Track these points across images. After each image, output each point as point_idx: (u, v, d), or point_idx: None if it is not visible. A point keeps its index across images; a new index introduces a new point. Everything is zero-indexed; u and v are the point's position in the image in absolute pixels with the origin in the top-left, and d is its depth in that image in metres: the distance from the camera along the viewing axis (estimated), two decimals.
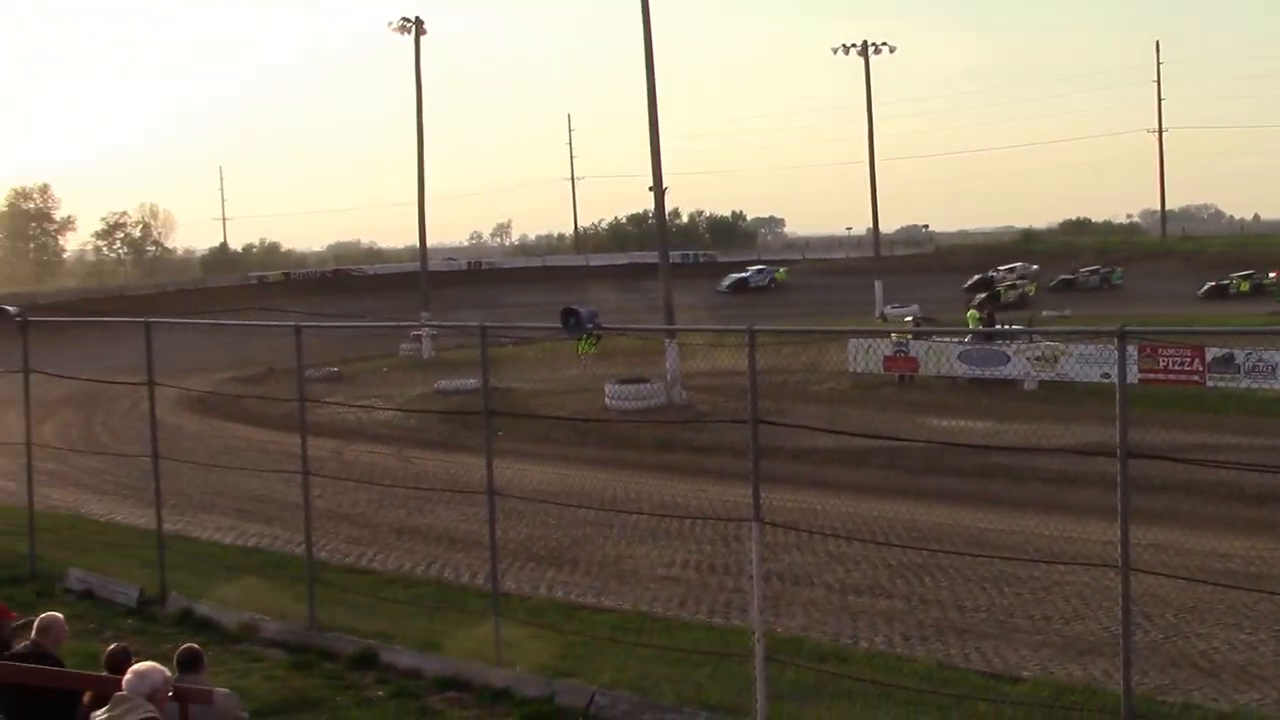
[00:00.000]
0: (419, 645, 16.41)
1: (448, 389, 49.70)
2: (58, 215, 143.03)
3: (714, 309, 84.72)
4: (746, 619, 15.80)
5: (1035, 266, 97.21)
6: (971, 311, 60.77)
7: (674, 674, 15.44)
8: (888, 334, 53.90)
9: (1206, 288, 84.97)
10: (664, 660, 16.09)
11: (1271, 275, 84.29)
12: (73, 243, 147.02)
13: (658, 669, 15.63)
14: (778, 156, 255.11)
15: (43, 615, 11.62)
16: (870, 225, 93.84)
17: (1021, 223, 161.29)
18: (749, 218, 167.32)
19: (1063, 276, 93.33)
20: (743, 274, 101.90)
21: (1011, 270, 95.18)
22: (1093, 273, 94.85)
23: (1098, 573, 19.82)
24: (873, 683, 14.74)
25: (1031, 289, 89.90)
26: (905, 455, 31.86)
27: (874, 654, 17.40)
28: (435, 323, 63.12)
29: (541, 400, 46.41)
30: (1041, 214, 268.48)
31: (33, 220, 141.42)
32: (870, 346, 46.40)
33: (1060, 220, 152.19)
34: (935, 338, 49.37)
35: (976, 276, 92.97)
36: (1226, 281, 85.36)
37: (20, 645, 11.53)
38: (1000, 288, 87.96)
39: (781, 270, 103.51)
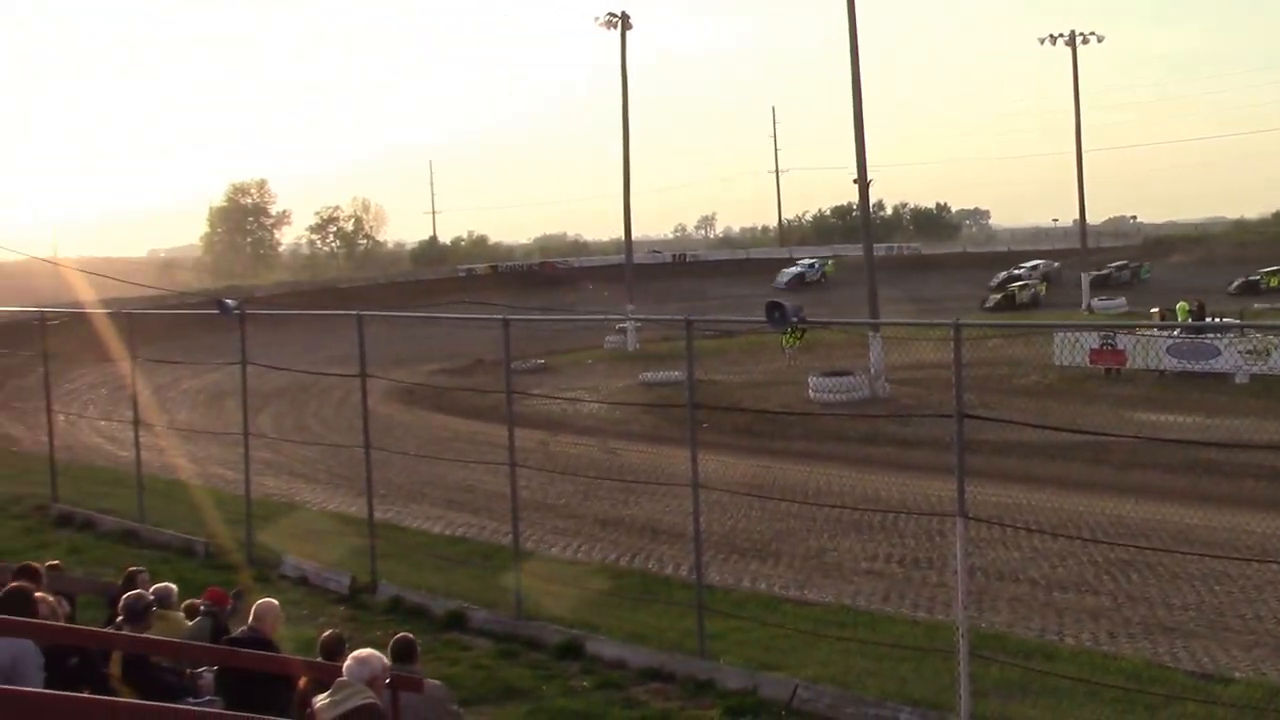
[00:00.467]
0: (624, 636, 16.56)
1: (652, 381, 49.84)
2: (274, 210, 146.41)
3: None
4: (950, 614, 15.68)
5: (1056, 264, 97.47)
6: (1181, 304, 59.40)
7: (877, 668, 15.38)
8: (1093, 328, 52.91)
9: (1237, 283, 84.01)
10: (867, 655, 16.01)
11: None
12: (288, 236, 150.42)
13: (861, 663, 15.58)
14: (983, 147, 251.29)
15: (259, 601, 11.97)
16: (1077, 216, 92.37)
17: (1233, 213, 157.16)
18: (953, 209, 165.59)
19: (1096, 273, 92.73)
20: (797, 269, 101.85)
21: (1035, 268, 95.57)
22: (1122, 268, 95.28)
23: None
24: (1079, 680, 14.52)
25: (1043, 288, 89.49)
26: (1112, 450, 31.23)
27: (1080, 651, 17.11)
28: (640, 315, 63.37)
29: (745, 393, 46.35)
30: (1256, 204, 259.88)
31: (250, 215, 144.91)
32: (1076, 340, 45.54)
33: (1274, 210, 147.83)
34: (1143, 331, 48.32)
35: (1002, 275, 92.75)
36: (1256, 277, 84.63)
37: (238, 630, 11.89)
38: (1014, 288, 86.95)
39: (830, 264, 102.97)
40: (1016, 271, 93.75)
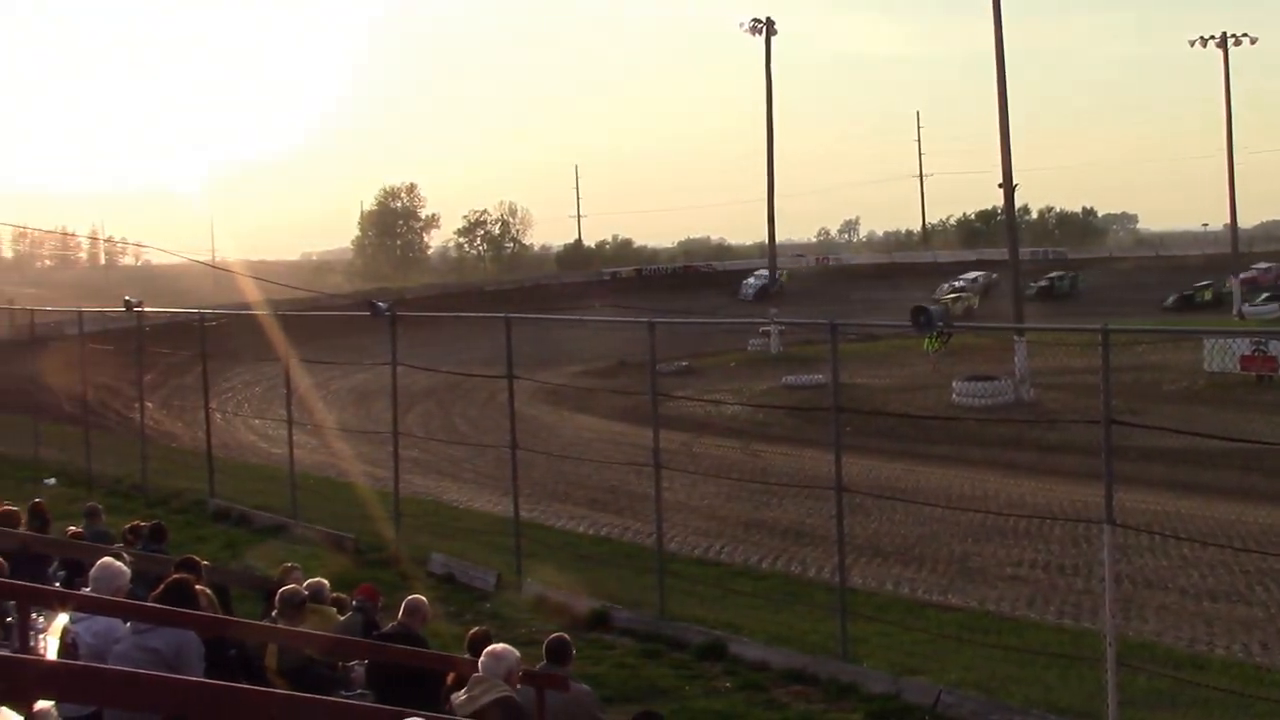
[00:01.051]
0: (766, 638, 16.60)
1: (795, 384, 49.84)
2: (423, 213, 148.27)
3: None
4: (1097, 621, 15.54)
5: (995, 275, 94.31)
6: None
7: (1022, 675, 15.30)
8: (1246, 334, 51.94)
9: (1173, 298, 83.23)
10: (1011, 661, 15.94)
11: (1228, 284, 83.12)
12: (436, 239, 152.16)
13: (1005, 669, 15.50)
14: (1131, 151, 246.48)
15: (409, 598, 12.20)
16: (1227, 221, 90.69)
17: None
18: (1100, 214, 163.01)
19: (1040, 284, 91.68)
20: (756, 281, 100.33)
21: (975, 281, 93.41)
22: (1061, 278, 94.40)
23: None
24: (1230, 692, 14.29)
25: (976, 301, 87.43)
26: (1263, 457, 30.66)
27: (1231, 663, 16.88)
28: (784, 319, 63.33)
29: (889, 396, 46.20)
30: None
31: (400, 218, 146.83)
32: (1227, 346, 44.74)
33: None
34: None
35: (945, 286, 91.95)
36: (1190, 292, 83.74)
37: (389, 626, 12.14)
38: (947, 299, 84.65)
39: (784, 274, 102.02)
40: (958, 283, 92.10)
